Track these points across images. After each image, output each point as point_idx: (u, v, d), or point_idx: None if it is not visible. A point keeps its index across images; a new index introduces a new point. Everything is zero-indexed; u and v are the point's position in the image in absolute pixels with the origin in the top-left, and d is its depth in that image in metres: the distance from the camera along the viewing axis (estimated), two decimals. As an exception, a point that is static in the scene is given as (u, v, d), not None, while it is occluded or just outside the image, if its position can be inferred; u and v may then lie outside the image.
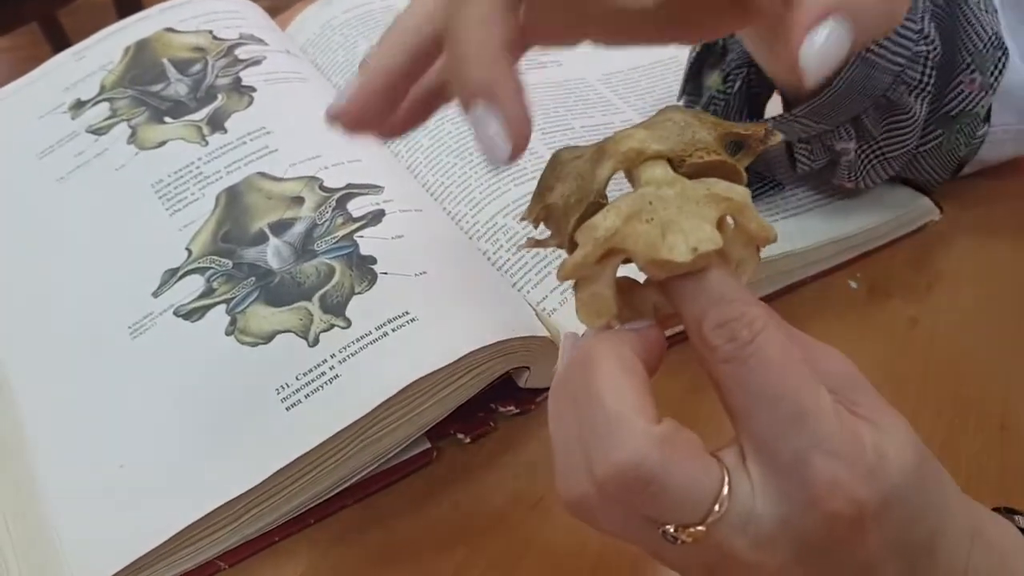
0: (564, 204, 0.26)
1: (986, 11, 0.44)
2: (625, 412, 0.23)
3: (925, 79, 0.42)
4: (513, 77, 0.26)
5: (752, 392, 0.24)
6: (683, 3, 0.29)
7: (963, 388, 0.43)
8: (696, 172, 0.25)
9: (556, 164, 0.26)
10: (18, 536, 0.36)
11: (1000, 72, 0.44)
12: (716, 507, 0.23)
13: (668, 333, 0.27)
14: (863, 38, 0.24)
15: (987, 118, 0.47)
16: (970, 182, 0.51)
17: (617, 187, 0.25)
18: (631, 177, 0.26)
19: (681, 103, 0.50)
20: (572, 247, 0.25)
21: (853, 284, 0.48)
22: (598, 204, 0.25)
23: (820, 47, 0.24)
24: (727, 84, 0.46)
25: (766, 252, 0.44)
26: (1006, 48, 0.44)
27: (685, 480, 0.23)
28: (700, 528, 0.23)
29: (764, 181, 0.48)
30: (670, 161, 0.25)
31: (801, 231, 0.47)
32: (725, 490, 0.23)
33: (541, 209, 0.27)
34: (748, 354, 0.23)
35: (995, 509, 0.30)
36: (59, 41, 1.66)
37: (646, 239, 0.24)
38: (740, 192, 0.25)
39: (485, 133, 0.26)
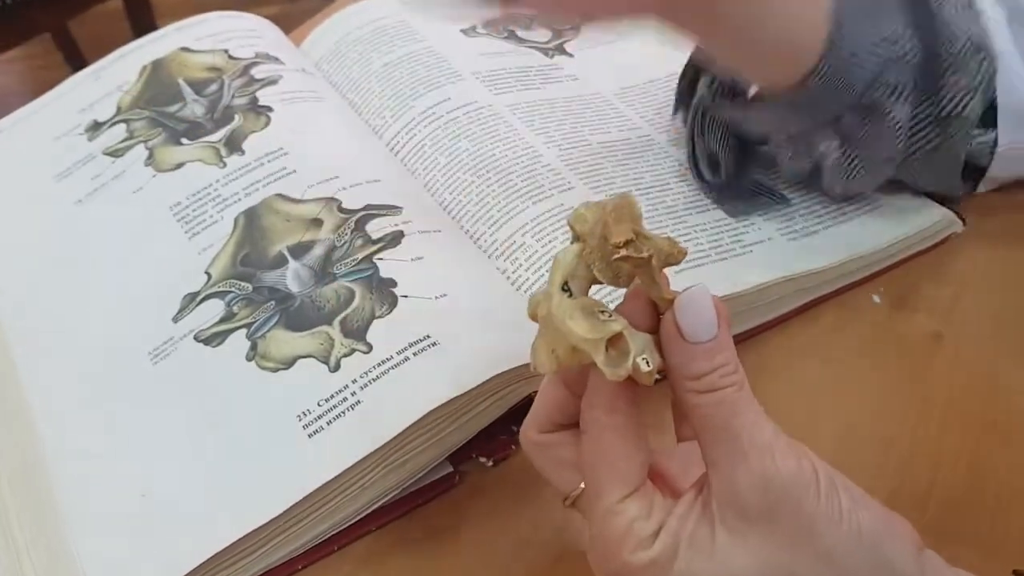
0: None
1: (968, 7, 0.44)
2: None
3: (904, 80, 0.42)
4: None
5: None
6: None
7: (990, 405, 0.43)
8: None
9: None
10: (40, 565, 0.36)
11: (985, 75, 0.44)
12: None
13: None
14: None
15: (982, 123, 0.46)
16: (991, 193, 0.51)
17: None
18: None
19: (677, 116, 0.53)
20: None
21: (876, 299, 0.48)
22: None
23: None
24: (713, 87, 0.48)
25: (787, 270, 0.44)
26: (988, 52, 0.44)
27: None
28: None
29: (771, 195, 0.48)
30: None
31: (822, 249, 0.46)
32: None
33: None
34: None
35: (1016, 572, 0.30)
36: (70, 50, 1.67)
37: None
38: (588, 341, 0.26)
39: None
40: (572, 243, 0.28)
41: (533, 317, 0.28)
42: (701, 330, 0.26)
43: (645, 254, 0.26)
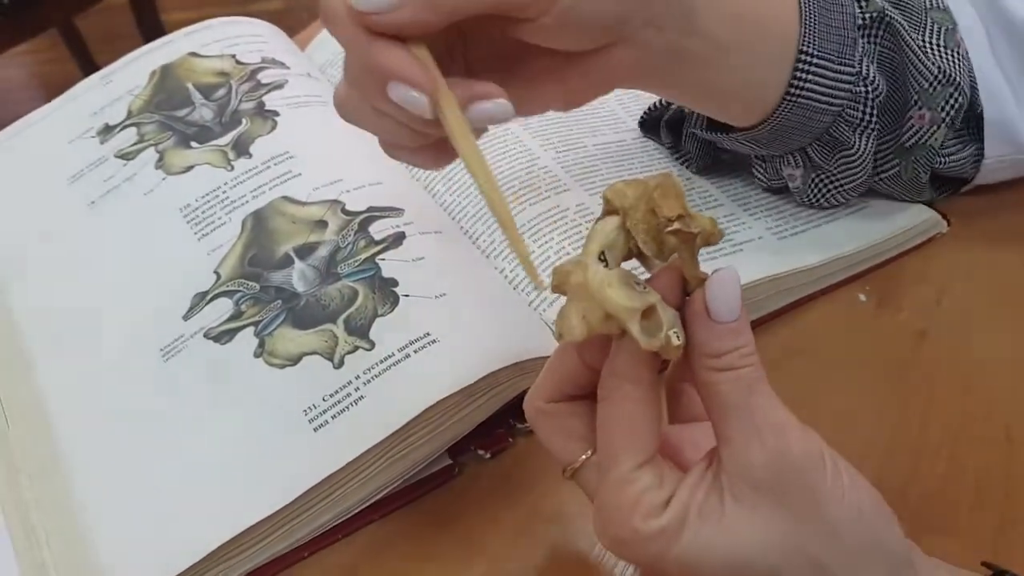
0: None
1: (942, 46, 0.44)
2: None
3: (867, 117, 0.43)
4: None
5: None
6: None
7: (970, 401, 0.44)
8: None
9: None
10: (59, 555, 0.38)
11: (952, 108, 0.45)
12: None
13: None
14: None
15: (957, 139, 0.48)
16: (976, 193, 0.52)
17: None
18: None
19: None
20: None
21: (862, 297, 0.49)
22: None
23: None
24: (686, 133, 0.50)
25: (775, 269, 0.46)
26: (958, 84, 0.44)
27: None
28: None
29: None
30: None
31: (810, 248, 0.48)
32: None
33: None
34: None
35: (984, 564, 0.31)
36: (76, 45, 1.68)
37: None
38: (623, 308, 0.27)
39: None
40: (603, 217, 0.28)
41: (557, 288, 0.29)
42: (727, 311, 0.28)
43: (694, 230, 0.27)
